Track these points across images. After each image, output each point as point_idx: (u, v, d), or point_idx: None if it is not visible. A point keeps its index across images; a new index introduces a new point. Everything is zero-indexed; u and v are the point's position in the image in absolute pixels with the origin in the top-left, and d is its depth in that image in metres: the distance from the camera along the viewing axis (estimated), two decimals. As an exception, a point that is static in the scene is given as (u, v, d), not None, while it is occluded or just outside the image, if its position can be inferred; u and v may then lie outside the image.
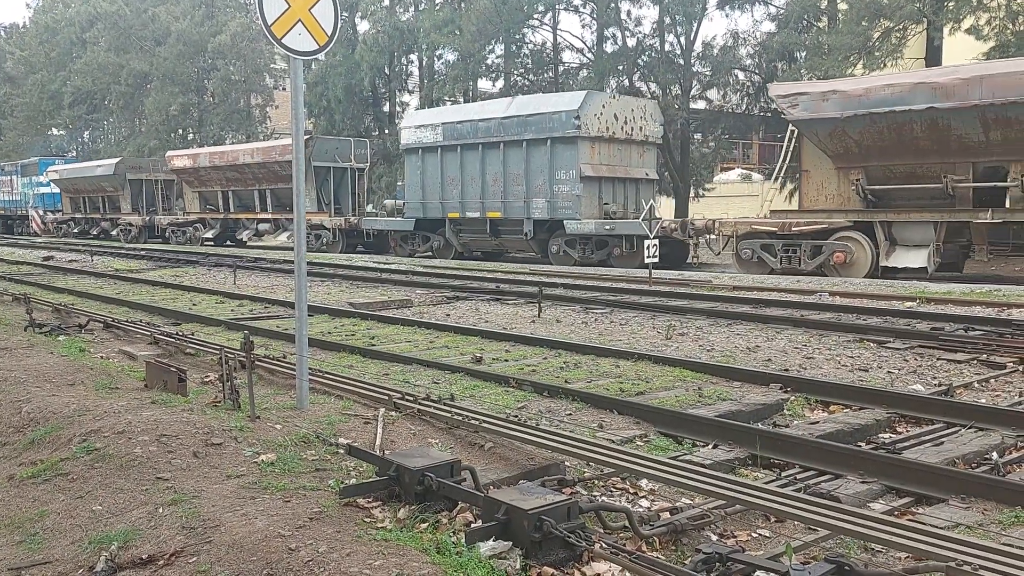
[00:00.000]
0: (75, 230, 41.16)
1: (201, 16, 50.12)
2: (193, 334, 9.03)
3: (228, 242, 33.54)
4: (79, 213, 41.48)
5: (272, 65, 51.17)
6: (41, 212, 43.51)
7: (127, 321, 10.03)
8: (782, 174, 19.52)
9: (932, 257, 16.16)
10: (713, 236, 19.98)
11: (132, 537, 3.59)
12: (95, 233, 39.61)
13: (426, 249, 25.31)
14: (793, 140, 18.72)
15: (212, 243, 33.05)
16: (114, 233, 38.23)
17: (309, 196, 29.28)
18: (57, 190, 42.40)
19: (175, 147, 45.51)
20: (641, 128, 22.67)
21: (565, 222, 21.36)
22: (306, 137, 30.05)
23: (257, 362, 6.49)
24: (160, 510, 3.80)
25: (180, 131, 52.77)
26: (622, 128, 22.09)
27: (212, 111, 50.96)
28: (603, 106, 21.67)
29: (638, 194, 22.69)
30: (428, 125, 24.42)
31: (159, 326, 9.78)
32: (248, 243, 33.17)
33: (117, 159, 39.73)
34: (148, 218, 36.31)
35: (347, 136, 35.77)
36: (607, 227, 20.64)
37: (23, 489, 4.40)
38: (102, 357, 8.05)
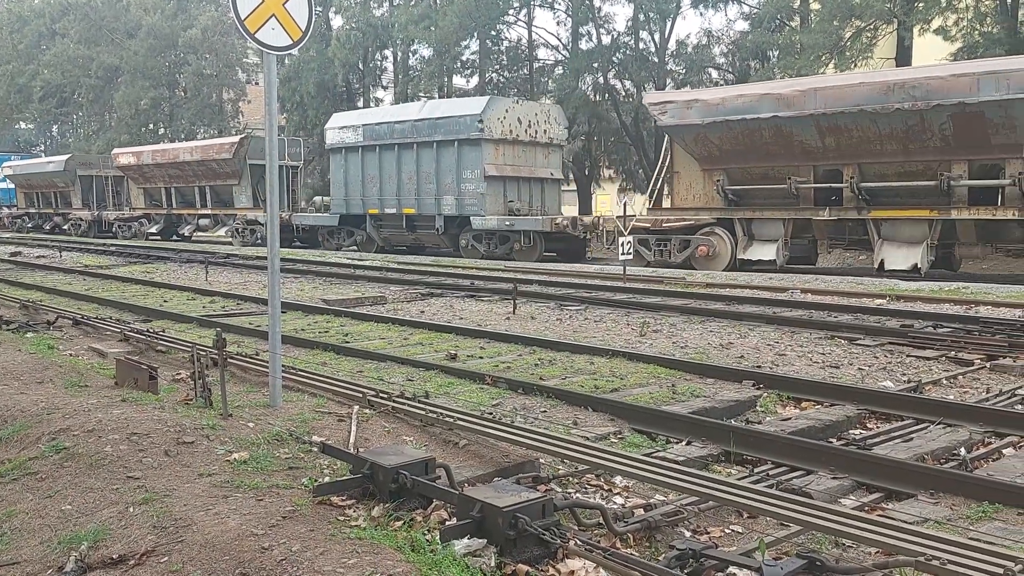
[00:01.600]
0: (29, 225, 41.91)
1: (173, 9, 49.50)
2: (164, 331, 8.94)
3: (174, 237, 34.32)
4: (33, 208, 42.24)
5: (244, 60, 50.69)
6: None
7: (97, 318, 9.91)
8: (661, 176, 20.69)
9: (781, 251, 18.07)
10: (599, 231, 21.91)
11: (102, 537, 3.55)
12: (48, 228, 40.30)
13: (351, 243, 26.45)
14: (666, 145, 20.25)
15: (158, 237, 34.06)
16: (65, 228, 38.88)
17: (245, 192, 30.67)
18: (12, 186, 43.16)
19: (146, 142, 45.26)
20: (545, 131, 24.12)
21: (471, 218, 22.80)
22: (241, 136, 31.31)
23: (229, 359, 6.44)
24: (131, 509, 3.76)
25: (151, 126, 52.11)
26: (526, 131, 23.53)
27: (183, 106, 50.39)
28: (506, 111, 23.13)
29: (543, 192, 24.39)
30: (350, 126, 25.66)
31: (129, 323, 9.66)
32: (192, 238, 33.86)
33: (67, 156, 40.48)
34: (97, 213, 37.19)
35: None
36: (507, 223, 22.18)
37: (-10, 489, 4.33)
38: (71, 355, 7.95)
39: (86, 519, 3.76)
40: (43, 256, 23.66)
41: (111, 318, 10.14)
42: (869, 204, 17.09)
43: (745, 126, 17.93)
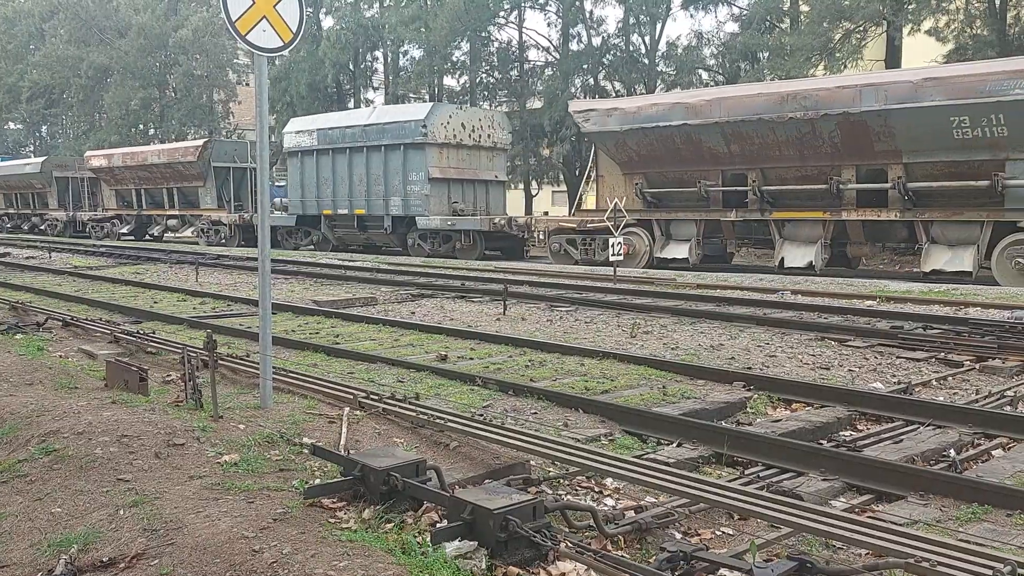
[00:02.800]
0: (8, 225, 43.15)
1: (163, 9, 49.28)
2: (154, 333, 8.90)
3: (146, 237, 35.22)
4: (13, 209, 43.40)
5: (235, 60, 50.51)
6: None
7: (87, 319, 9.86)
8: (591, 179, 21.89)
9: (694, 250, 19.38)
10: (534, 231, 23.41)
11: (92, 540, 3.53)
12: (27, 228, 41.48)
13: (308, 243, 27.56)
14: (593, 151, 21.72)
15: (132, 238, 35.15)
16: (43, 228, 40.02)
17: (210, 194, 31.81)
18: None
19: (136, 143, 45.29)
20: (489, 136, 25.50)
21: (417, 218, 24.07)
22: (205, 140, 32.80)
23: (220, 361, 6.42)
24: (121, 512, 3.75)
25: (141, 126, 51.87)
26: (470, 136, 24.86)
27: (174, 106, 50.16)
28: (450, 116, 24.52)
29: (488, 194, 25.66)
30: (305, 131, 26.80)
31: (120, 324, 9.63)
32: (163, 238, 34.76)
33: (44, 158, 42.11)
34: (72, 214, 38.44)
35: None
36: (449, 223, 23.50)
37: (-22, 492, 4.30)
38: (61, 356, 7.91)
39: (76, 522, 3.74)
40: (32, 257, 23.54)
41: (101, 319, 10.09)
42: (771, 206, 18.36)
43: (659, 133, 19.24)
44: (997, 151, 15.36)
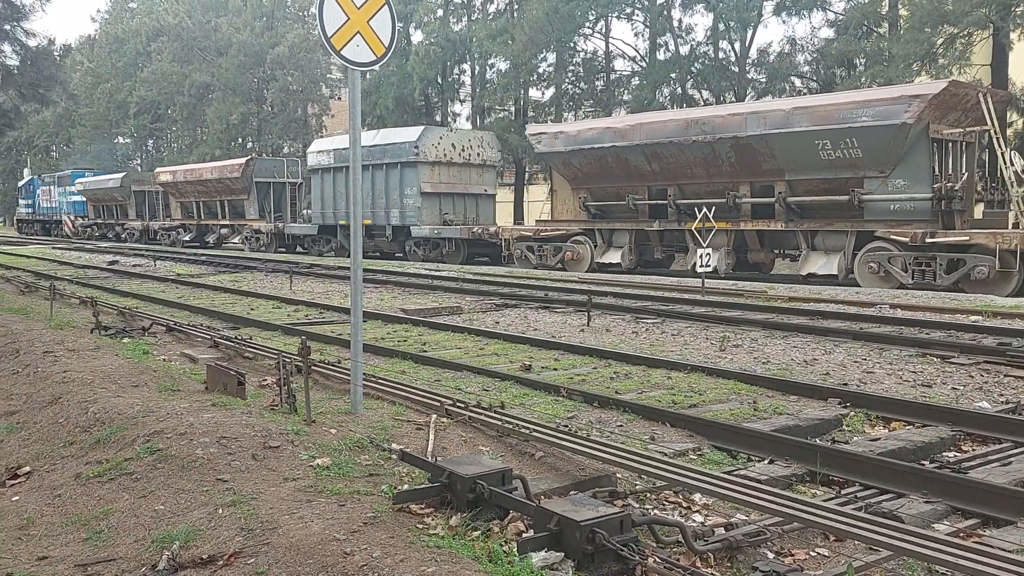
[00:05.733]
0: (97, 233, 47.73)
1: (261, 27, 51.07)
2: (251, 338, 9.19)
3: (207, 243, 38.93)
4: (100, 219, 48.11)
5: (328, 75, 51.89)
6: (72, 217, 50.26)
7: (188, 325, 10.27)
8: (550, 193, 24.94)
9: (627, 256, 21.94)
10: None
11: (193, 537, 3.66)
12: (112, 236, 45.92)
13: (328, 250, 30.65)
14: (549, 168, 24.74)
15: (196, 244, 38.95)
16: (123, 236, 44.59)
17: (253, 206, 35.45)
18: (84, 199, 49.13)
19: (235, 156, 47.33)
20: (479, 154, 28.38)
21: (411, 227, 27.25)
22: (247, 159, 36.38)
23: (313, 367, 6.58)
24: (220, 511, 3.87)
25: (240, 140, 53.82)
26: (460, 154, 27.80)
27: (271, 120, 51.88)
28: (440, 138, 27.51)
29: (478, 206, 28.63)
30: (325, 151, 30.33)
31: (219, 330, 9.98)
32: (221, 245, 38.22)
33: (123, 173, 47.12)
34: (146, 224, 42.72)
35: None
36: (436, 231, 26.67)
37: (89, 487, 4.52)
38: (165, 360, 8.25)
39: (178, 519, 3.89)
40: (138, 265, 24.65)
41: (202, 325, 10.49)
42: (687, 217, 20.31)
43: (595, 154, 21.88)
44: (856, 170, 17.57)
